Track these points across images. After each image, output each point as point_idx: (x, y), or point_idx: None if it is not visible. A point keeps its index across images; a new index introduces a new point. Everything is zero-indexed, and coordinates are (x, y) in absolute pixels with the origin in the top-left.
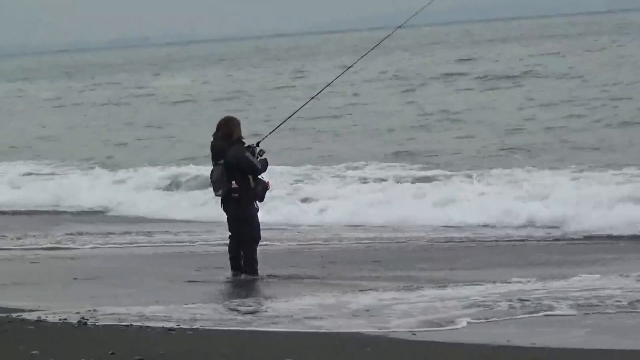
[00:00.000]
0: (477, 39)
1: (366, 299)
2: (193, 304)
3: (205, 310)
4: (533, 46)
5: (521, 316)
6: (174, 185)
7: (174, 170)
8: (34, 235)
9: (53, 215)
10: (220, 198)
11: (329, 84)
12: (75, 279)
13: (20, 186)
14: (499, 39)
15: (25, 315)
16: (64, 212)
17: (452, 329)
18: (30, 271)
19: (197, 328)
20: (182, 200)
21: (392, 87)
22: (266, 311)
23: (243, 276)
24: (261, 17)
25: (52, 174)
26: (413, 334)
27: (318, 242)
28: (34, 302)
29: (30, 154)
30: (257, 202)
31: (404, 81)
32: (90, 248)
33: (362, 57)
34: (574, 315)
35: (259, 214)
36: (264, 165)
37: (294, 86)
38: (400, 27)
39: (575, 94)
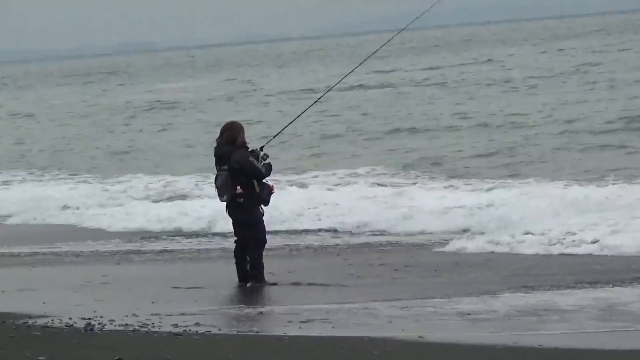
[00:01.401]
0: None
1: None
2: (199, 309)
3: (212, 315)
4: None
5: None
6: None
7: None
8: None
9: None
10: (225, 203)
11: (331, 88)
12: (81, 285)
13: None
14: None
15: (32, 321)
16: None
17: None
18: (34, 277)
19: (204, 333)
20: None
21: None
22: (272, 315)
23: (249, 284)
24: (266, 21)
25: None
26: (420, 337)
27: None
28: (40, 308)
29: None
30: (262, 206)
31: None
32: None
33: (363, 61)
34: None
35: (265, 218)
36: (268, 169)
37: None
38: (403, 30)
39: None
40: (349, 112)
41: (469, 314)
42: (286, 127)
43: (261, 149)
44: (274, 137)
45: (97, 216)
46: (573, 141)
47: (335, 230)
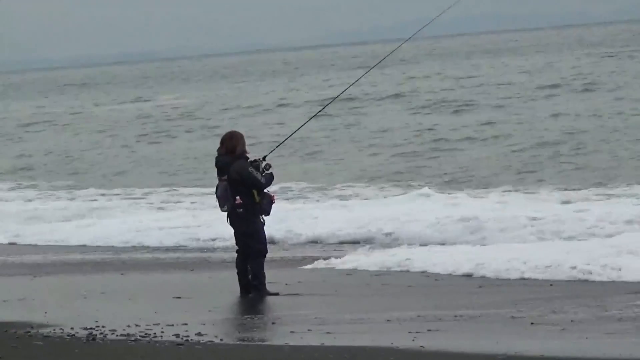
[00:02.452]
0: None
1: None
2: (201, 318)
3: (214, 325)
4: None
5: None
6: None
7: None
8: None
9: None
10: (226, 213)
11: (334, 99)
12: (83, 294)
13: None
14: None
15: (33, 331)
16: None
17: None
18: (35, 287)
19: (206, 342)
20: None
21: None
22: (274, 325)
23: (251, 294)
24: (269, 30)
25: None
26: (422, 347)
27: None
28: (41, 318)
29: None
30: (263, 216)
31: None
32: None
33: (367, 72)
34: None
35: (265, 228)
36: (269, 180)
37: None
38: (407, 40)
39: None
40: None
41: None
42: (288, 138)
43: (264, 158)
44: (277, 147)
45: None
46: None
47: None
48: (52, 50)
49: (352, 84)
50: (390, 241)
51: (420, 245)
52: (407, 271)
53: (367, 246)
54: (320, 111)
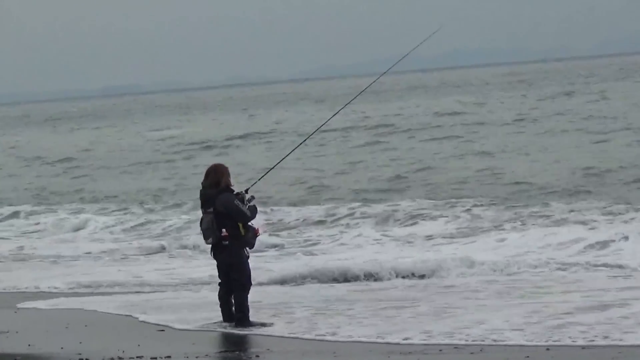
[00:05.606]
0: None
1: None
2: (184, 350)
3: (197, 358)
4: None
5: None
6: None
7: None
8: None
9: None
10: (210, 246)
11: (318, 129)
12: (66, 327)
13: None
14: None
15: None
16: None
17: None
18: (19, 319)
19: None
20: None
21: None
22: (257, 358)
23: (236, 328)
24: (252, 65)
25: None
26: None
27: None
28: (25, 350)
29: None
30: (247, 249)
31: None
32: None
33: (346, 104)
34: None
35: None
36: (253, 212)
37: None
38: (383, 73)
39: None
40: None
41: None
42: (271, 169)
43: (246, 191)
44: (259, 179)
45: None
46: None
47: None
48: (34, 84)
49: (333, 115)
50: None
51: None
52: None
53: None
54: (304, 140)
